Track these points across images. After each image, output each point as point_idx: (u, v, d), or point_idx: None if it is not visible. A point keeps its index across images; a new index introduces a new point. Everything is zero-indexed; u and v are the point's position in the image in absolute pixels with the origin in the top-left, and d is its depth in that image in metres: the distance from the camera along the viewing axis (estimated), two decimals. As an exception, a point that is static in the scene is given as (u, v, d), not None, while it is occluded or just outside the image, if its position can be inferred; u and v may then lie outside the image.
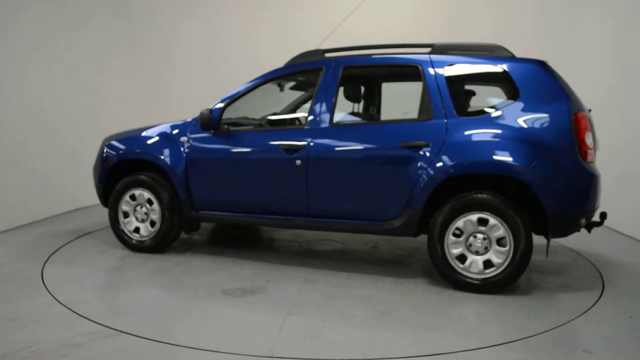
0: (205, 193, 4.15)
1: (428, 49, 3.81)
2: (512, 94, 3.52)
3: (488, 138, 3.46)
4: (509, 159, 3.37)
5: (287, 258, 4.29)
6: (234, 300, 3.31)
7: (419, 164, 3.54)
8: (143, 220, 4.32)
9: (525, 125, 3.42)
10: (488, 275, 3.45)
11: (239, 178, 4.06)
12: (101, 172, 4.44)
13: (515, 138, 3.40)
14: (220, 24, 7.29)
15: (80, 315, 2.99)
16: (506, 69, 3.55)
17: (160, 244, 4.29)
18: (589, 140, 3.41)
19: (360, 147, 3.73)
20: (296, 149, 3.82)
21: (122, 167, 4.42)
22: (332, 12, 5.40)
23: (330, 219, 3.86)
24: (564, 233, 3.55)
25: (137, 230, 4.34)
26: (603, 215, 4.05)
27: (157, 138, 4.27)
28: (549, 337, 2.80)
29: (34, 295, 3.33)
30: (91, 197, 5.96)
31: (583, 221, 3.45)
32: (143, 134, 4.37)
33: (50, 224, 5.44)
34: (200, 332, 2.84)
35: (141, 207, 4.31)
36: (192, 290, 3.48)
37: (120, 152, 4.36)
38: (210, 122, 3.98)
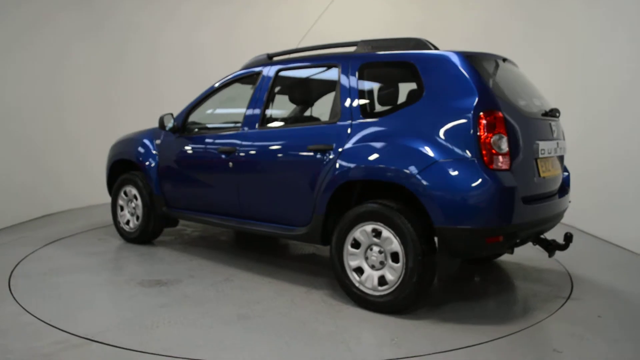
0: (170, 191, 4.50)
1: (354, 47, 3.59)
2: (419, 90, 3.13)
3: (379, 141, 3.14)
4: (393, 164, 3.01)
5: (243, 257, 4.37)
6: (135, 289, 3.55)
7: (322, 169, 3.37)
8: (132, 214, 4.85)
9: (420, 126, 3.03)
10: (382, 293, 3.12)
11: (192, 178, 4.33)
12: (107, 171, 5.10)
13: (408, 141, 3.03)
14: (200, 26, 7.60)
15: (49, 324, 2.92)
16: (414, 63, 3.17)
17: (142, 236, 4.76)
18: (499, 144, 2.85)
19: (277, 150, 3.68)
20: (229, 151, 3.94)
21: (123, 166, 5.01)
22: (308, 13, 5.37)
23: (256, 222, 3.87)
24: (463, 253, 3.03)
25: (128, 222, 4.89)
26: (568, 238, 3.37)
27: (140, 140, 4.76)
28: (518, 338, 2.80)
29: (0, 304, 3.24)
30: (61, 203, 6.54)
31: (491, 240, 2.89)
32: (133, 137, 4.91)
33: (18, 231, 5.36)
34: (70, 311, 3.13)
35: (131, 202, 4.84)
36: (115, 277, 3.82)
37: (114, 153, 4.97)
38: (163, 124, 4.33)
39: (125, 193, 4.87)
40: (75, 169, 6.71)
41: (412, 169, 2.94)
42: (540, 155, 3.15)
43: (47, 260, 4.27)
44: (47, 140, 6.37)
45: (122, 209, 4.93)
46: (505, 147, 2.87)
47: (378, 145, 3.14)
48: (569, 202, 3.75)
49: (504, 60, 3.46)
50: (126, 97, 7.31)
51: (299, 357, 2.58)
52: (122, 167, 4.99)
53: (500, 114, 2.88)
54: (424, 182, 2.89)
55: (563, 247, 3.42)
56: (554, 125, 3.39)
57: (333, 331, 2.88)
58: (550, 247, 3.41)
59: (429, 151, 2.93)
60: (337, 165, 3.27)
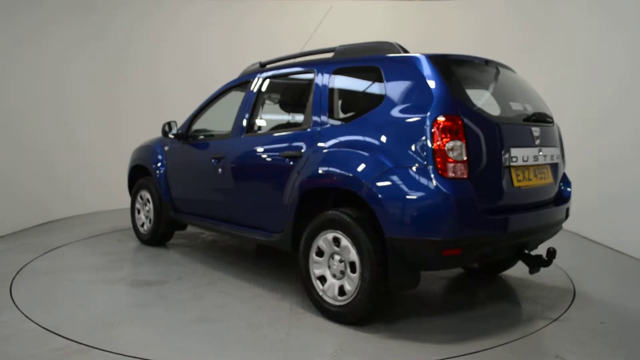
0: (176, 196, 4.67)
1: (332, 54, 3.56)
2: (381, 94, 3.04)
3: (340, 148, 3.09)
4: (349, 171, 2.95)
5: (242, 263, 4.44)
6: (122, 289, 3.74)
7: (292, 175, 3.36)
8: (147, 218, 5.09)
9: (378, 132, 2.93)
10: (341, 303, 3.04)
11: (191, 183, 4.48)
12: (127, 175, 5.40)
13: (365, 147, 2.95)
14: (203, 32, 7.63)
15: (50, 330, 2.92)
16: (379, 67, 3.09)
17: (153, 239, 4.98)
18: (455, 151, 2.69)
19: (257, 156, 3.72)
20: (219, 158, 4.03)
21: (140, 171, 5.26)
22: (311, 19, 5.34)
23: (242, 227, 3.92)
24: (418, 265, 2.87)
25: (143, 225, 5.14)
26: (550, 253, 3.12)
27: (152, 147, 5.00)
28: (521, 345, 2.79)
29: (2, 311, 3.24)
30: (63, 209, 6.49)
31: (448, 253, 2.72)
32: (149, 143, 5.15)
33: (20, 237, 5.39)
34: (52, 305, 3.32)
35: (145, 206, 5.09)
36: (111, 277, 4.00)
37: (132, 159, 5.25)
38: (166, 132, 4.51)
39: (141, 197, 5.13)
40: (79, 174, 6.81)
41: (366, 176, 2.85)
42: (513, 164, 2.92)
43: (48, 266, 4.31)
44: (50, 146, 6.44)
45: (138, 212, 5.20)
46: (462, 154, 2.70)
47: (338, 151, 3.09)
48: (567, 213, 3.45)
49: (487, 62, 3.27)
50: (130, 102, 7.41)
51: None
52: (140, 172, 5.25)
53: (459, 120, 2.72)
54: (376, 190, 2.80)
55: (546, 264, 3.15)
56: (537, 131, 3.13)
57: (281, 339, 2.85)
58: (532, 263, 3.15)
59: (383, 158, 2.83)
60: (304, 172, 3.24)
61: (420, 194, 2.69)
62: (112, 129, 7.29)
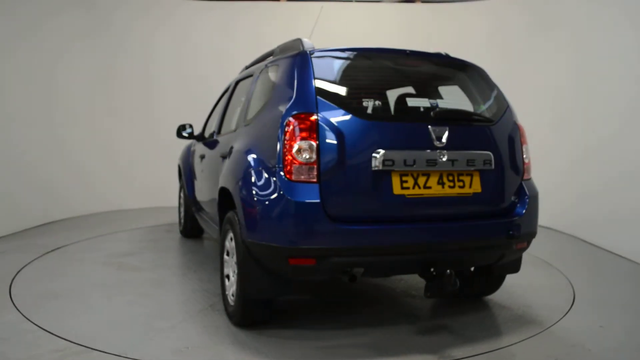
0: (195, 193, 5.08)
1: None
2: (270, 94, 2.96)
3: (234, 149, 3.12)
4: (229, 173, 3.00)
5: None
6: (108, 270, 4.21)
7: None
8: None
9: (255, 134, 2.89)
10: (232, 304, 3.05)
11: (196, 182, 4.82)
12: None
13: (243, 149, 2.95)
14: (196, 32, 7.55)
15: (49, 332, 2.90)
16: (280, 66, 3.01)
17: (185, 232, 5.49)
18: (303, 152, 2.51)
19: (213, 157, 3.89)
20: (202, 157, 4.31)
21: None
22: (305, 19, 5.07)
23: (212, 223, 4.11)
24: (276, 272, 2.69)
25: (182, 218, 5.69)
26: (447, 276, 2.66)
27: (186, 148, 5.49)
28: (521, 348, 2.80)
29: (1, 312, 3.23)
30: (60, 211, 6.42)
31: (296, 262, 2.53)
32: (187, 145, 5.65)
33: (18, 239, 5.38)
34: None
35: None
36: (113, 260, 4.51)
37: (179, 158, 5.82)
38: (180, 133, 4.91)
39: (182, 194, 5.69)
40: (72, 176, 6.77)
41: (233, 177, 2.88)
42: (389, 168, 2.56)
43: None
44: (41, 148, 6.32)
45: (181, 206, 5.77)
46: (312, 156, 2.50)
47: (233, 152, 3.11)
48: (517, 232, 2.81)
49: (409, 54, 2.91)
50: (122, 102, 7.39)
51: (107, 339, 2.79)
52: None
53: (313, 119, 2.52)
54: (236, 191, 2.79)
55: (443, 291, 2.65)
56: (441, 130, 2.65)
57: (164, 328, 2.98)
58: (430, 288, 2.69)
59: (250, 159, 2.80)
60: (221, 172, 3.32)
61: (266, 197, 2.58)
62: (104, 129, 7.22)
